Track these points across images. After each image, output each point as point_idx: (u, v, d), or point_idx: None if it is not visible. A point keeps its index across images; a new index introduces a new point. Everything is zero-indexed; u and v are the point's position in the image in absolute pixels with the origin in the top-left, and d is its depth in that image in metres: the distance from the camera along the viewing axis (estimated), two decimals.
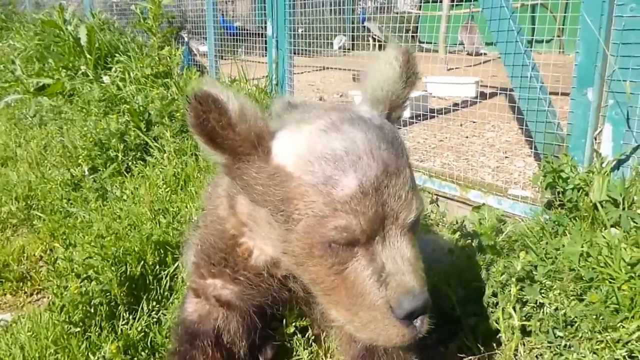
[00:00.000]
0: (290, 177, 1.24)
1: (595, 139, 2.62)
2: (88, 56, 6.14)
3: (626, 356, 1.71)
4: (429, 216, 3.30)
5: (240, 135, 1.27)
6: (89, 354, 1.96)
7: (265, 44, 6.18)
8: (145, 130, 4.11)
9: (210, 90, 1.23)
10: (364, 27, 10.36)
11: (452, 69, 7.81)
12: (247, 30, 6.93)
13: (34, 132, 5.02)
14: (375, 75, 1.44)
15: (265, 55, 5.58)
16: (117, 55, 6.31)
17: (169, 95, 4.69)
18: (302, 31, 5.06)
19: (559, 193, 2.57)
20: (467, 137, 4.57)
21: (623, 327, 1.76)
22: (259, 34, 6.64)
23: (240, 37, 6.70)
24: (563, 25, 4.49)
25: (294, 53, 5.06)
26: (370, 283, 1.24)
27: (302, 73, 7.69)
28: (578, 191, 2.44)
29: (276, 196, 1.28)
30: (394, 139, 1.30)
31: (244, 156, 1.31)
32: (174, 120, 4.07)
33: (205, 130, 1.26)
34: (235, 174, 1.35)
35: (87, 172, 3.78)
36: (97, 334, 2.09)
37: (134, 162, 3.87)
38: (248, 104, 1.27)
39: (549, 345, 1.87)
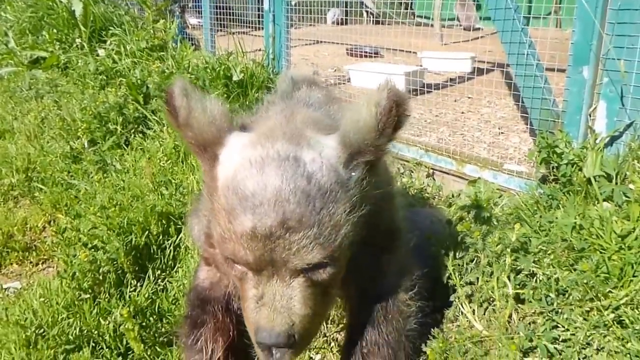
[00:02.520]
0: (217, 192, 1.32)
1: (590, 116, 2.67)
2: (83, 29, 6.10)
3: (614, 321, 1.79)
4: (426, 190, 3.38)
5: (187, 138, 1.35)
6: (100, 318, 2.03)
7: (234, 21, 6.22)
8: (143, 103, 4.14)
9: (172, 91, 1.32)
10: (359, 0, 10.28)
11: (447, 44, 7.81)
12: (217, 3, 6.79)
13: (31, 105, 5.01)
14: (353, 115, 1.32)
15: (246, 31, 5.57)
16: (111, 28, 6.26)
17: (165, 68, 4.70)
18: (295, 3, 5.05)
19: (553, 168, 2.64)
20: (462, 113, 4.60)
21: (612, 295, 1.84)
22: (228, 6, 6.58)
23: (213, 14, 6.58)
24: (560, 2, 4.53)
25: (291, 27, 5.07)
26: (250, 302, 1.34)
27: (295, 47, 7.67)
28: (572, 166, 2.50)
29: (209, 196, 1.38)
30: (318, 193, 1.25)
31: (198, 154, 1.39)
32: None
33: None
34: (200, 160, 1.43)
35: (86, 145, 3.81)
36: (106, 300, 2.16)
37: (133, 135, 3.91)
38: (200, 111, 1.32)
39: (541, 311, 1.94)
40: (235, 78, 4.38)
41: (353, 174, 1.33)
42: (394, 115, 1.28)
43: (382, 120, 1.27)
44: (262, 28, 5.28)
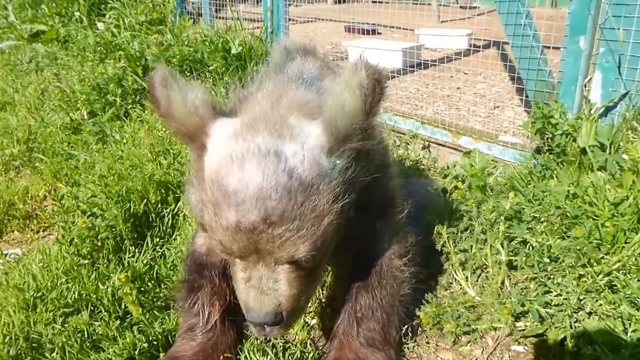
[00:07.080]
0: (204, 182, 1.34)
1: (585, 87, 2.68)
2: (82, 2, 6.08)
3: (606, 285, 1.81)
4: (421, 162, 3.40)
5: (171, 127, 1.38)
6: (99, 283, 2.06)
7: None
8: (142, 75, 4.14)
9: (152, 80, 1.33)
10: None
11: (445, 21, 7.78)
12: None
13: (31, 77, 5.02)
14: (335, 102, 1.28)
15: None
16: (110, 1, 6.24)
17: (164, 41, 4.70)
18: None
19: (547, 139, 2.65)
20: (458, 88, 4.61)
21: (604, 260, 1.86)
22: None
23: None
24: None
25: (290, 5, 5.05)
26: (239, 283, 1.40)
27: (294, 24, 7.63)
28: (566, 137, 2.52)
29: (198, 184, 1.41)
30: (299, 187, 1.26)
31: (186, 143, 1.41)
32: (170, 66, 4.09)
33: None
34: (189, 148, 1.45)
35: (86, 116, 3.82)
36: (105, 265, 2.19)
37: (132, 107, 3.92)
38: (180, 102, 1.33)
39: (534, 277, 1.97)
40: (233, 51, 4.37)
41: (338, 162, 1.33)
42: (378, 92, 1.27)
43: (369, 100, 1.26)
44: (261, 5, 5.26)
